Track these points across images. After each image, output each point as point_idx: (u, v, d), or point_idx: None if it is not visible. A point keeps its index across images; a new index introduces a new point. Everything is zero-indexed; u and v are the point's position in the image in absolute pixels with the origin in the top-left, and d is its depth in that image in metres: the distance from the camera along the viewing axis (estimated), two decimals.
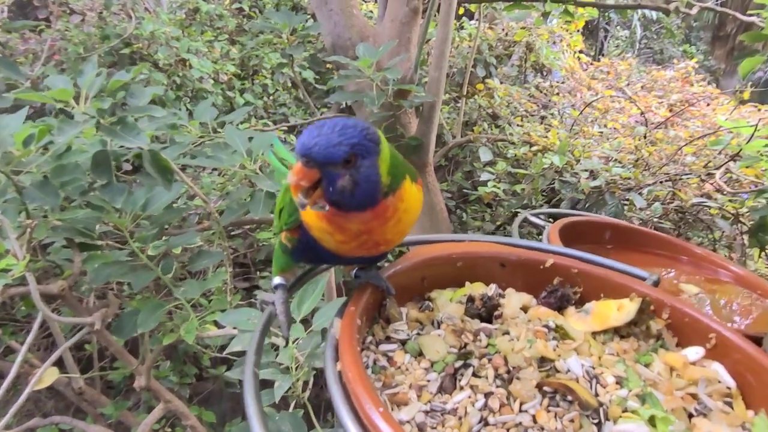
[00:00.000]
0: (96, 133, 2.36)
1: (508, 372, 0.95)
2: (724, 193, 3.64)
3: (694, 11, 3.65)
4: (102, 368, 3.94)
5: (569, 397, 0.90)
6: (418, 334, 1.07)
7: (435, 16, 3.92)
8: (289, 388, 1.96)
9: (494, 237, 1.54)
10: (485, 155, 4.32)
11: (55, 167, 2.24)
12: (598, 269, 1.25)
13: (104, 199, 2.29)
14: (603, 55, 12.57)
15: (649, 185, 3.71)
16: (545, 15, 3.62)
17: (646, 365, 1.04)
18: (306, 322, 2.05)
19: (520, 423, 0.86)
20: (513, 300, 1.16)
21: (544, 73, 5.98)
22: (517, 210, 4.57)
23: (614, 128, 4.92)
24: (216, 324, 2.74)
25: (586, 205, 3.83)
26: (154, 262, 2.40)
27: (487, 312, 1.12)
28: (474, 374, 0.95)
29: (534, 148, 4.26)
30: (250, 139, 2.71)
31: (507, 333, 1.05)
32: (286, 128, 4.58)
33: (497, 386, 0.93)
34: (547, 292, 1.20)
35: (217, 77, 4.99)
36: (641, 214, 3.76)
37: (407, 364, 0.99)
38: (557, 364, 0.97)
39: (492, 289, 1.21)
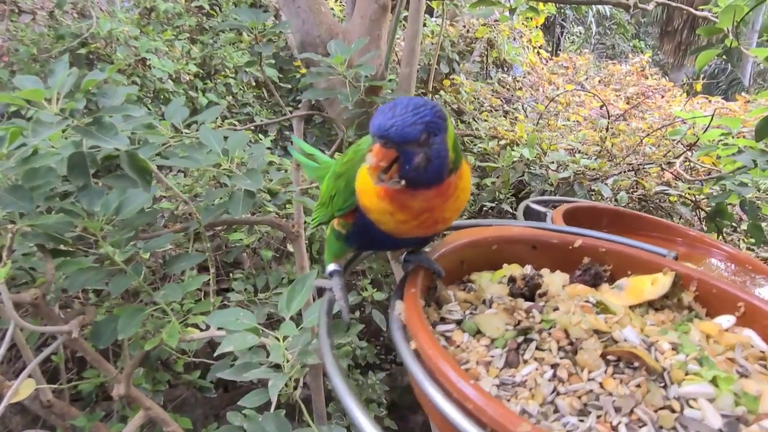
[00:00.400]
0: (65, 134, 2.26)
1: (571, 344, 0.98)
2: (684, 180, 3.83)
3: (650, 6, 3.81)
4: (68, 379, 3.78)
5: (635, 364, 0.93)
6: (472, 314, 1.09)
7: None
8: None
9: (518, 221, 1.59)
10: None
11: (27, 171, 2.12)
12: (624, 247, 1.30)
13: (75, 203, 2.19)
14: (560, 50, 12.96)
15: (615, 175, 3.85)
16: (512, 12, 3.70)
17: (685, 334, 1.09)
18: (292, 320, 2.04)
19: (591, 390, 0.89)
20: (556, 278, 1.20)
21: (506, 69, 6.11)
22: (484, 203, 4.67)
23: (577, 121, 5.09)
24: (196, 326, 2.68)
25: (555, 197, 3.94)
26: (128, 267, 2.34)
27: (530, 291, 1.15)
28: (537, 348, 0.98)
29: (501, 142, 4.35)
30: (225, 138, 2.68)
31: (557, 309, 1.09)
32: (253, 128, 4.51)
33: (561, 357, 0.96)
34: (581, 271, 1.24)
35: (178, 77, 4.85)
36: (607, 203, 3.89)
37: (466, 343, 1.01)
38: (614, 335, 1.01)
39: (529, 270, 1.24)
